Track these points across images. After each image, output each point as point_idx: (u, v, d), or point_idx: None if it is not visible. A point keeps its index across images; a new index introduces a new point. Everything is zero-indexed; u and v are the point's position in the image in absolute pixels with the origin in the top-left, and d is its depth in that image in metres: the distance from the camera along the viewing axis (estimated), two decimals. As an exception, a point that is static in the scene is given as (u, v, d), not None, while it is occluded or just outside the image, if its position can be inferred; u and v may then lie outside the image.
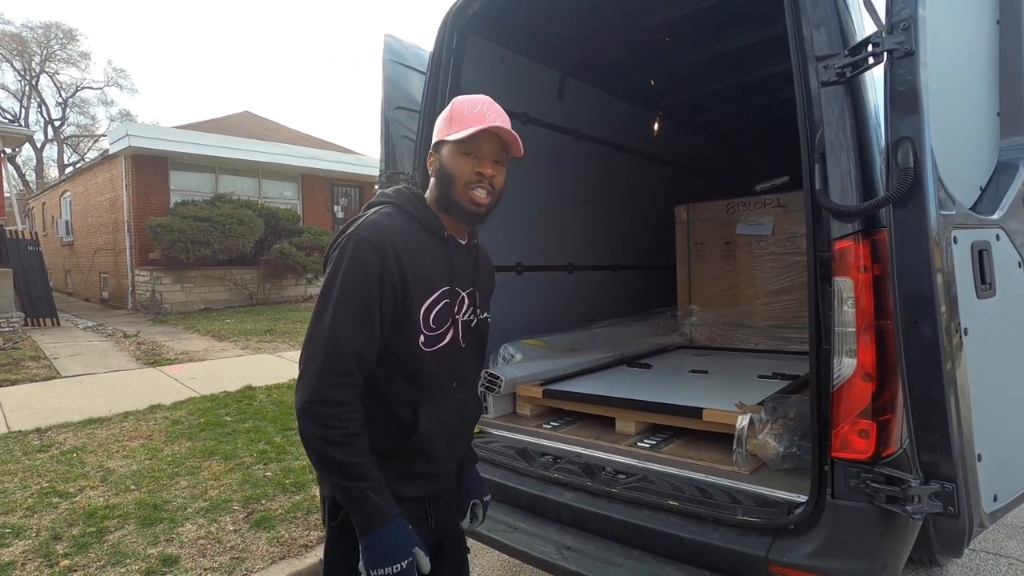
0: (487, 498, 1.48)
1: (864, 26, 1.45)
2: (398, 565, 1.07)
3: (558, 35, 3.04)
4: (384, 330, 1.15)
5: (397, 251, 1.15)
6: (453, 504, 1.40)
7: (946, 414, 1.24)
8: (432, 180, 1.28)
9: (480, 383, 2.61)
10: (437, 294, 1.22)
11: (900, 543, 1.44)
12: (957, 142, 1.52)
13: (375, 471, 1.10)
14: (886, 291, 1.34)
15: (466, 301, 1.29)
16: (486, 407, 2.61)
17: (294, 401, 1.11)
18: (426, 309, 1.19)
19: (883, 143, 1.32)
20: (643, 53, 3.34)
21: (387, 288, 1.13)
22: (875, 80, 1.38)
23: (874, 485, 1.34)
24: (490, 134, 1.23)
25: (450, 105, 1.27)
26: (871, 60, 1.31)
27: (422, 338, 1.19)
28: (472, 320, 1.30)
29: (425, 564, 1.11)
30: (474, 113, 1.23)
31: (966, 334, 1.34)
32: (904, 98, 1.22)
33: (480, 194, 1.23)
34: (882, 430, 1.36)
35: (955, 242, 1.35)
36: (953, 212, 1.37)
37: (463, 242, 1.31)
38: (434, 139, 1.28)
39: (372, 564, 1.07)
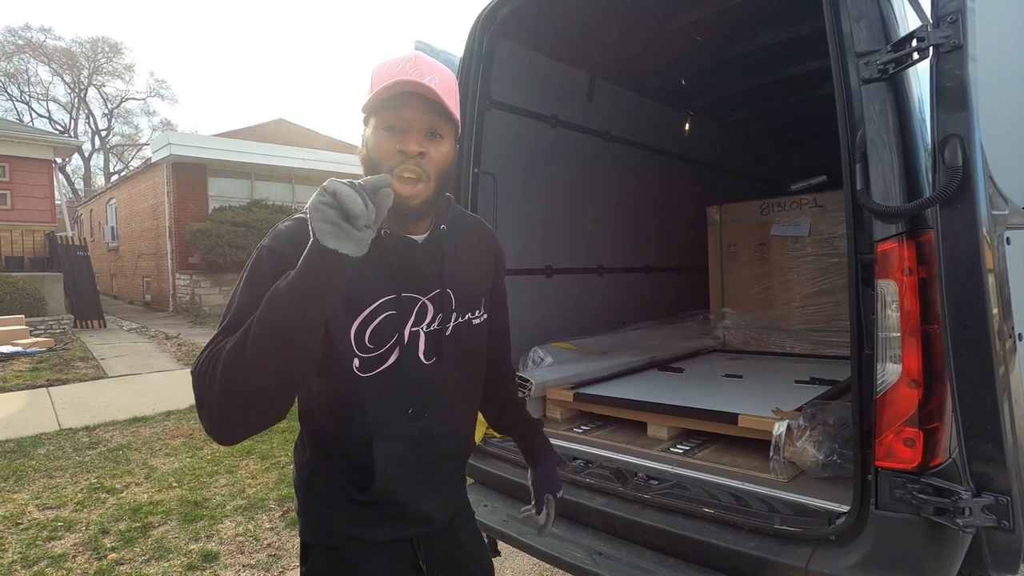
0: (560, 494, 1.40)
1: (907, 20, 1.40)
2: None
3: (587, 37, 3.02)
4: None
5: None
6: (461, 539, 1.18)
7: (999, 422, 1.18)
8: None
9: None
10: (374, 307, 0.98)
11: (949, 557, 1.38)
12: (1008, 139, 1.45)
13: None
14: (932, 294, 1.28)
15: (429, 308, 1.04)
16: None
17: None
18: (359, 327, 0.97)
19: (928, 141, 1.27)
20: (673, 53, 3.30)
21: None
22: (919, 75, 1.33)
23: (921, 496, 1.29)
24: (411, 97, 0.93)
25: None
26: (916, 55, 1.26)
27: (356, 362, 0.97)
28: (445, 328, 1.06)
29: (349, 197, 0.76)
30: (394, 72, 0.93)
31: (1020, 339, 1.28)
32: (952, 94, 1.17)
33: (405, 180, 0.93)
34: (929, 439, 1.31)
35: (1008, 243, 1.29)
36: (1005, 211, 1.31)
37: (417, 238, 1.04)
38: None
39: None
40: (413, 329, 1.03)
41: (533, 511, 1.39)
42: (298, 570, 1.12)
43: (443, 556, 1.12)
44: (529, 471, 1.42)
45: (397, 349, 1.01)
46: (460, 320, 1.09)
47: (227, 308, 0.92)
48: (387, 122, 0.95)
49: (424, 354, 1.04)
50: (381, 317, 0.99)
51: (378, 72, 0.98)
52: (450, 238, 1.08)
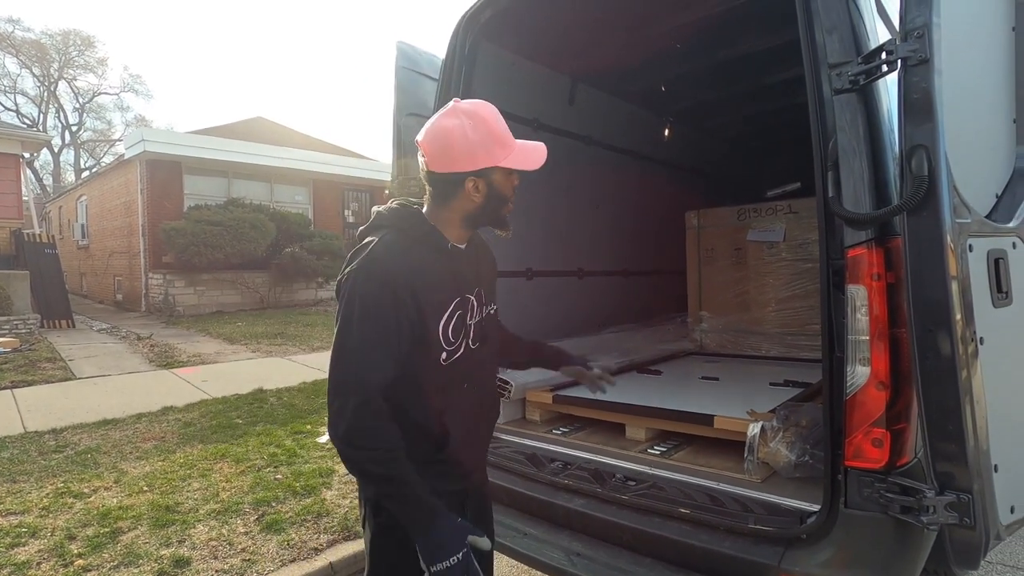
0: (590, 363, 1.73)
1: (878, 33, 1.44)
2: (455, 557, 1.11)
3: (569, 41, 3.05)
4: (403, 355, 1.19)
5: (407, 280, 1.18)
6: (484, 500, 1.49)
7: (962, 424, 1.23)
8: (456, 202, 1.25)
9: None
10: (451, 308, 1.25)
11: (914, 554, 1.42)
12: (972, 150, 1.51)
13: (416, 476, 1.16)
14: (900, 299, 1.33)
15: (475, 304, 1.32)
16: (496, 412, 2.61)
17: (329, 431, 1.17)
18: (443, 326, 1.23)
19: (897, 150, 1.32)
20: (654, 58, 3.34)
21: (404, 321, 1.18)
22: (888, 87, 1.38)
23: (888, 495, 1.33)
24: None
25: (479, 121, 1.21)
26: (885, 68, 1.30)
27: (444, 355, 1.24)
28: (481, 319, 1.34)
29: (484, 543, 1.18)
30: (508, 133, 1.27)
31: (982, 343, 1.33)
32: (918, 106, 1.22)
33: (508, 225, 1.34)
34: (896, 439, 1.35)
35: (971, 250, 1.34)
36: (969, 220, 1.36)
37: (463, 247, 1.34)
38: (477, 163, 1.21)
39: (431, 560, 1.12)
40: (469, 322, 1.30)
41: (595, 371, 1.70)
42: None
43: (477, 507, 1.42)
44: (564, 369, 1.71)
45: (465, 340, 1.29)
46: (489, 311, 1.37)
47: (343, 350, 1.16)
48: (516, 182, 1.31)
49: (472, 341, 1.31)
50: (456, 315, 1.26)
51: (500, 129, 1.25)
52: (474, 245, 1.38)
